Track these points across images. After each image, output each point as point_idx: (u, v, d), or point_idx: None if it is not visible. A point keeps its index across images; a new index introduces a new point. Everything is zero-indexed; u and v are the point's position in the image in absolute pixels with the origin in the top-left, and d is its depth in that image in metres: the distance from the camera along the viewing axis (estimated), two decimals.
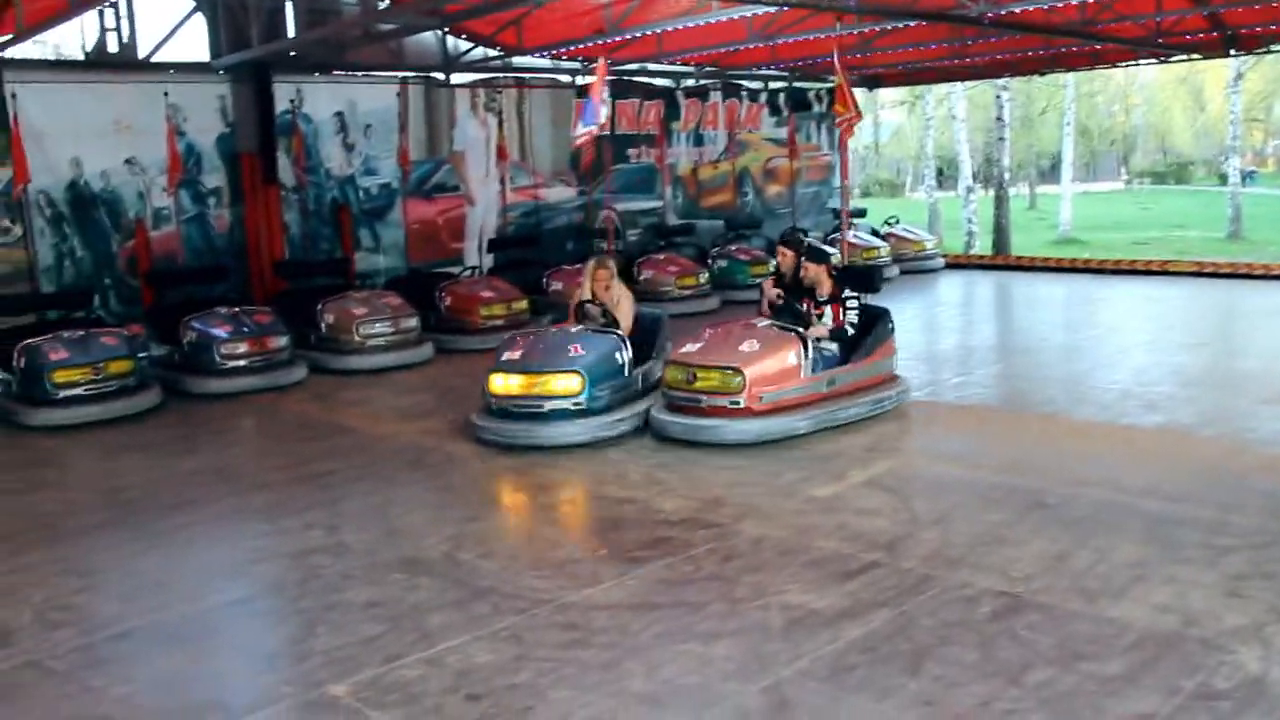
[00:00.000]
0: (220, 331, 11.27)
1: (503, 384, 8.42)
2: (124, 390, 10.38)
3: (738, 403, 8.09)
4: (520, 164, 16.59)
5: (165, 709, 4.52)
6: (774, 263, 10.96)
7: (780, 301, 9.00)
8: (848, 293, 8.97)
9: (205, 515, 7.16)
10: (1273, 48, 18.47)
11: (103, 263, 12.69)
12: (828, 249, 10.40)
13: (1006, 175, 27.13)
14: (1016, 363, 11.78)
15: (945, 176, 41.10)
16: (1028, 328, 15.01)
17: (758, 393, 8.08)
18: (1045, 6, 13.78)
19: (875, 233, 19.67)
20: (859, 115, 10.85)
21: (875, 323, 9.08)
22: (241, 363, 11.24)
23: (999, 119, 26.15)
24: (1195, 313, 14.91)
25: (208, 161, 13.43)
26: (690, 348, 8.53)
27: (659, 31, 14.43)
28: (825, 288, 9.03)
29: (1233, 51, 18.29)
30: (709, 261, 16.41)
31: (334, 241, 14.55)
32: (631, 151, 17.99)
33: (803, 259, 9.13)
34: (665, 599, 5.32)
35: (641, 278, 15.20)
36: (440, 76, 15.52)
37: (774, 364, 8.21)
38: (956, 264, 20.75)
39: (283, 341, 11.60)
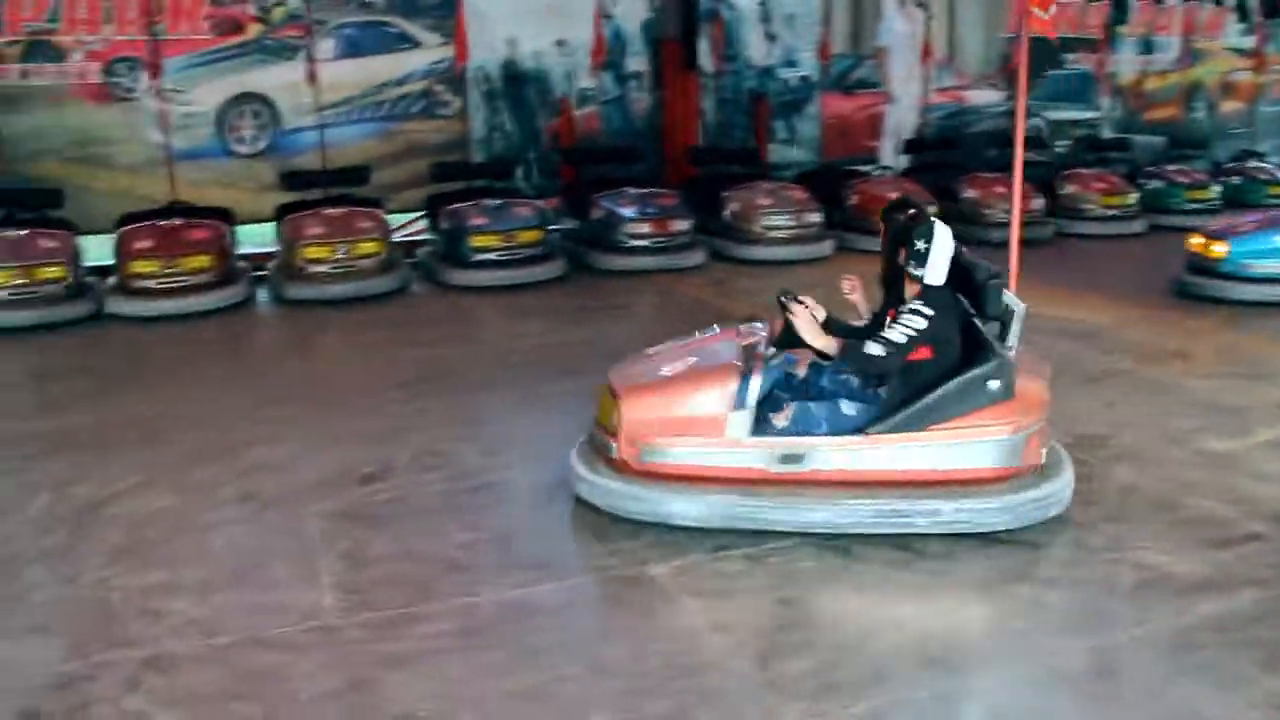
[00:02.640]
0: (626, 210, 11.65)
1: None
2: (533, 259, 11.00)
3: (610, 450, 5.23)
4: (946, 63, 15.92)
5: (500, 563, 4.80)
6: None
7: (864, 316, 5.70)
8: (916, 304, 5.00)
9: (584, 384, 7.44)
10: None
11: (529, 138, 13.41)
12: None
13: None
14: None
15: None
16: None
17: (636, 443, 5.11)
18: None
19: None
20: None
21: (965, 358, 5.05)
22: (644, 242, 11.60)
23: None
24: None
25: (631, 46, 13.80)
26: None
27: None
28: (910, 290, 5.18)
29: None
30: (1140, 182, 15.18)
31: (749, 131, 14.64)
32: (1070, 56, 16.81)
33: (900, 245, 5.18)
34: (1009, 535, 5.03)
35: (1062, 192, 14.28)
36: None
37: (676, 402, 5.09)
38: None
39: (686, 225, 11.84)
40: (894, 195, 12.88)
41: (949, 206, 13.50)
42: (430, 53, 12.86)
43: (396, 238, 11.61)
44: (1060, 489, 5.11)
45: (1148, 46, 17.63)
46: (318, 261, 10.36)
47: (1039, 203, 13.71)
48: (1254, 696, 3.81)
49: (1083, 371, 7.81)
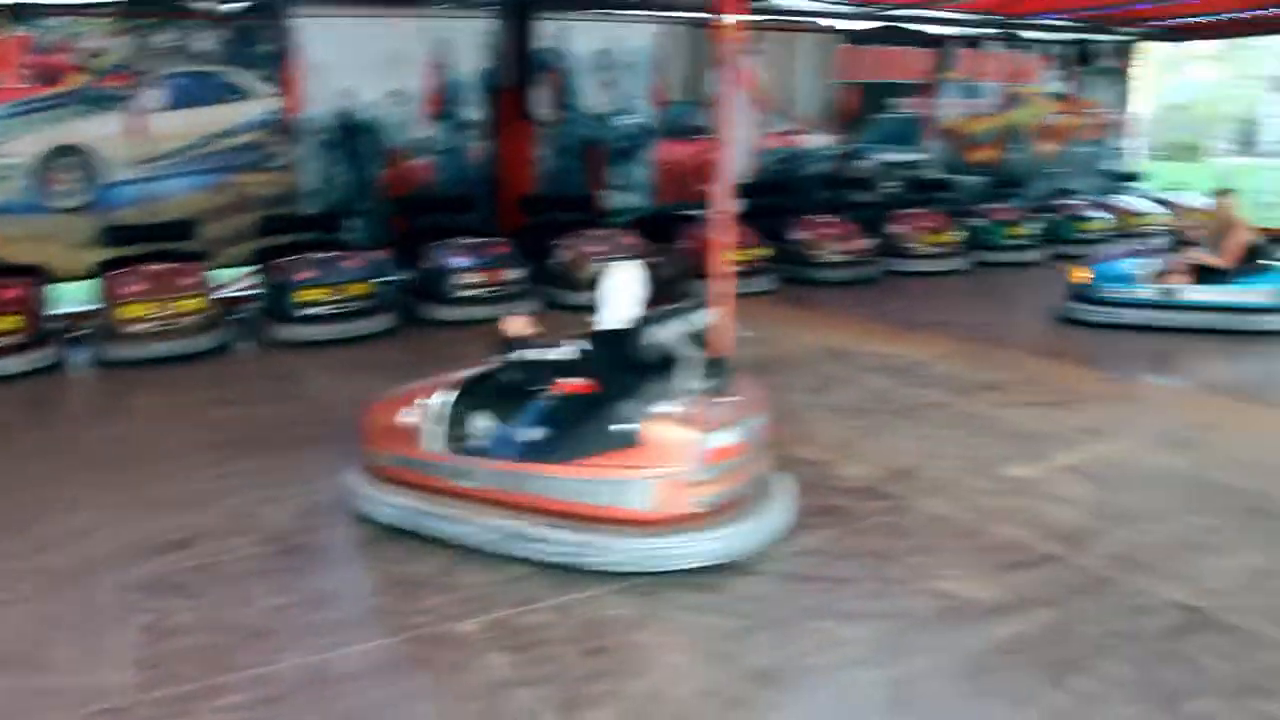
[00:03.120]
0: (456, 260, 11.60)
1: None
2: (362, 312, 10.85)
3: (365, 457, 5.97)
4: (779, 109, 16.30)
5: (309, 626, 4.69)
6: None
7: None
8: (581, 341, 5.40)
9: None
10: None
11: (362, 189, 13.26)
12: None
13: None
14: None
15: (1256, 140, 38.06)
16: None
17: (370, 449, 5.86)
18: None
19: (1155, 200, 18.43)
20: None
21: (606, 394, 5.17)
22: (475, 292, 11.54)
23: None
24: None
25: (468, 95, 13.80)
26: None
27: None
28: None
29: None
30: (963, 220, 15.71)
31: (584, 178, 14.75)
32: (896, 101, 17.39)
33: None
34: (818, 572, 5.13)
35: (888, 232, 14.71)
36: (704, 17, 15.36)
37: (393, 415, 5.69)
38: None
39: (517, 274, 11.84)
40: (728, 239, 13.19)
41: (781, 248, 13.80)
42: (261, 103, 12.65)
43: (222, 293, 11.34)
44: (702, 544, 4.94)
45: (971, 92, 18.30)
46: (138, 320, 10.03)
47: (867, 242, 14.10)
48: (1041, 712, 3.96)
49: (898, 406, 8.03)
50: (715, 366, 5.18)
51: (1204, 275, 10.81)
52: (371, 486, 5.70)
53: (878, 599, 4.86)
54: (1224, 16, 18.25)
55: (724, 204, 14.88)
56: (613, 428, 4.97)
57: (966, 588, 4.94)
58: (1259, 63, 28.25)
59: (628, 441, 4.94)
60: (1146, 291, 10.98)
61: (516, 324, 5.68)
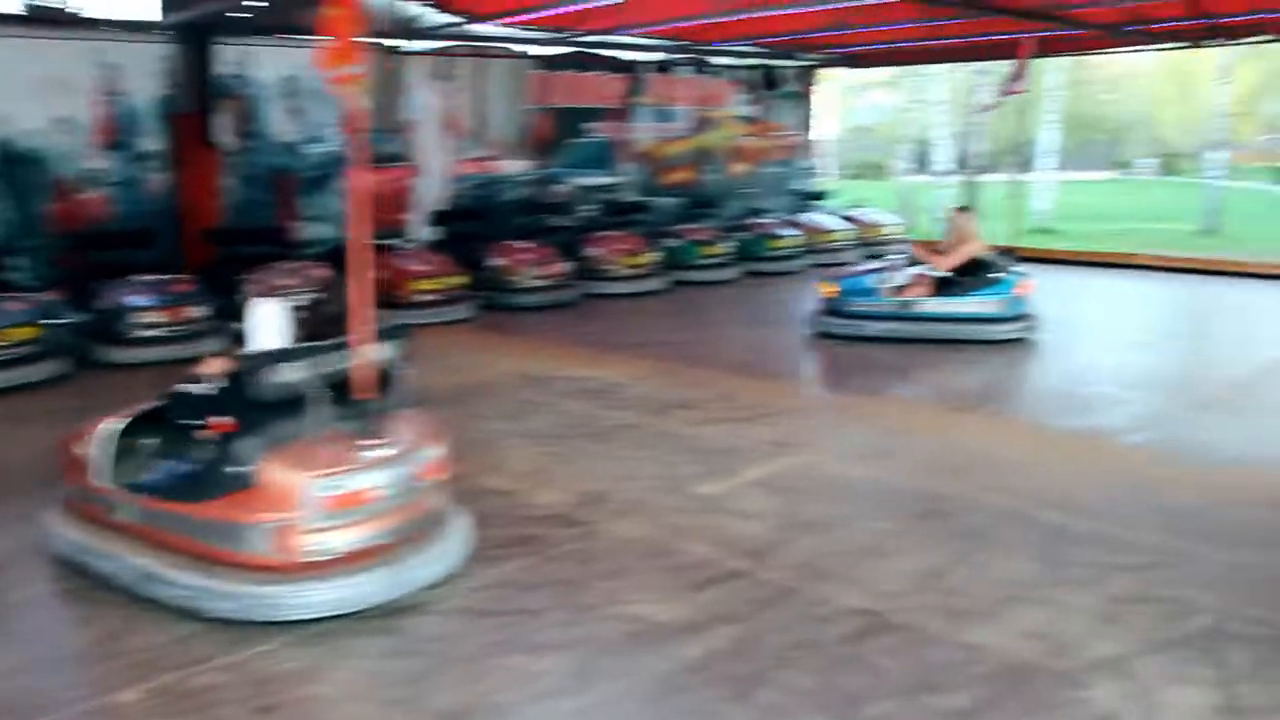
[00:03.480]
0: (135, 299, 10.91)
1: None
2: (26, 359, 10.00)
3: None
4: (475, 135, 16.20)
5: None
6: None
7: None
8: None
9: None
10: (1257, 37, 18.08)
11: (26, 224, 12.32)
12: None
13: (978, 161, 26.68)
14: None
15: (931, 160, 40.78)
16: None
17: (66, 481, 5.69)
18: None
19: (839, 216, 19.40)
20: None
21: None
22: (157, 332, 10.88)
23: (973, 104, 25.78)
24: (1153, 309, 14.63)
25: (145, 123, 13.05)
26: None
27: (613, 2, 14.02)
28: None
29: (1214, 41, 17.90)
30: (660, 242, 16.05)
31: (274, 209, 14.20)
32: (590, 126, 17.60)
33: None
34: (505, 605, 5.02)
35: (586, 256, 14.84)
36: (394, 43, 15.11)
37: (78, 447, 5.47)
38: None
39: (202, 311, 11.23)
40: (421, 268, 12.99)
41: (478, 275, 13.70)
42: None
43: None
44: (322, 593, 4.70)
45: (663, 116, 18.73)
46: None
47: (565, 266, 14.18)
48: None
49: (593, 429, 8.03)
50: (360, 406, 4.98)
51: (941, 288, 11.39)
52: (59, 522, 5.49)
53: (569, 628, 4.79)
54: (894, 45, 19.43)
55: (420, 232, 14.72)
56: (231, 469, 4.77)
57: (657, 610, 4.93)
58: (930, 88, 30.18)
59: (246, 484, 4.75)
60: (887, 304, 11.47)
61: (215, 365, 5.30)
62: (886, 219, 20.14)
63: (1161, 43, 18.19)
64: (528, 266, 13.88)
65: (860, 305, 11.62)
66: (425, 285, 12.89)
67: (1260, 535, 5.88)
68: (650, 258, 15.22)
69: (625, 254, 15.00)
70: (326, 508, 4.71)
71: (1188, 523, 6.04)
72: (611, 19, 15.63)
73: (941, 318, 11.35)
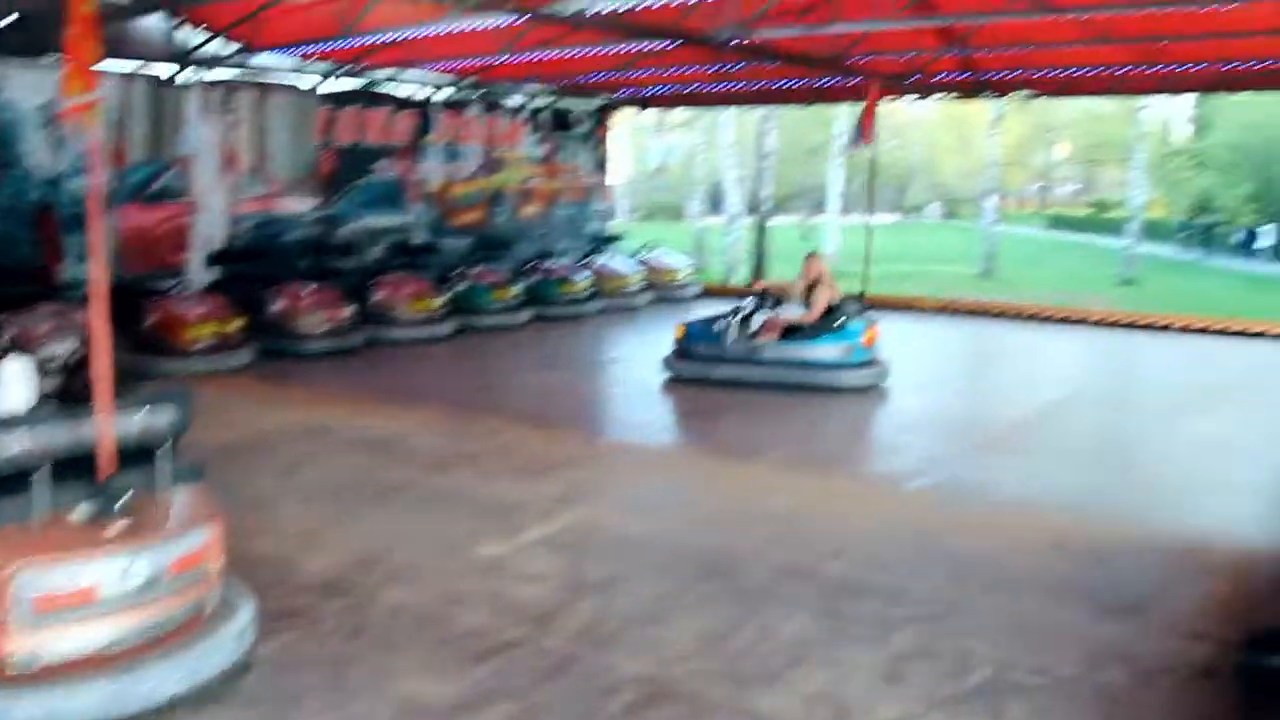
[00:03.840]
0: None
1: None
2: None
3: None
4: (256, 172, 15.58)
5: None
6: None
7: None
8: None
9: None
10: (1022, 92, 19.02)
11: None
12: None
13: (768, 205, 27.28)
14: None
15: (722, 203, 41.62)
16: None
17: None
18: (796, 35, 13.70)
19: (632, 259, 19.46)
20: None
21: None
22: None
23: (761, 148, 26.39)
24: (934, 351, 15.06)
25: None
26: None
27: (405, 38, 13.74)
28: None
29: (986, 94, 18.75)
30: (449, 285, 15.74)
31: (37, 247, 13.29)
32: (378, 165, 17.16)
33: None
34: (264, 691, 4.66)
35: (372, 300, 14.41)
36: (168, 71, 14.41)
37: None
38: (711, 293, 20.66)
39: None
40: (196, 312, 12.36)
41: (260, 320, 13.14)
42: None
43: None
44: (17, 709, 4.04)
45: (454, 154, 18.43)
46: None
47: (350, 311, 13.71)
48: None
49: (372, 485, 7.68)
50: (108, 482, 4.47)
51: (788, 332, 11.34)
52: None
53: (335, 711, 4.47)
54: (683, 89, 19.68)
55: (197, 274, 14.04)
56: None
57: (429, 687, 4.66)
58: (720, 131, 30.77)
59: None
60: (735, 348, 11.40)
61: None
62: (680, 262, 20.31)
63: (936, 94, 18.91)
64: (311, 311, 13.38)
65: (706, 349, 11.56)
66: (201, 330, 12.25)
67: (1040, 581, 5.98)
68: (439, 302, 14.89)
69: (413, 298, 14.63)
70: (38, 607, 4.09)
71: (970, 570, 6.12)
72: (400, 55, 15.33)
73: (789, 363, 11.31)
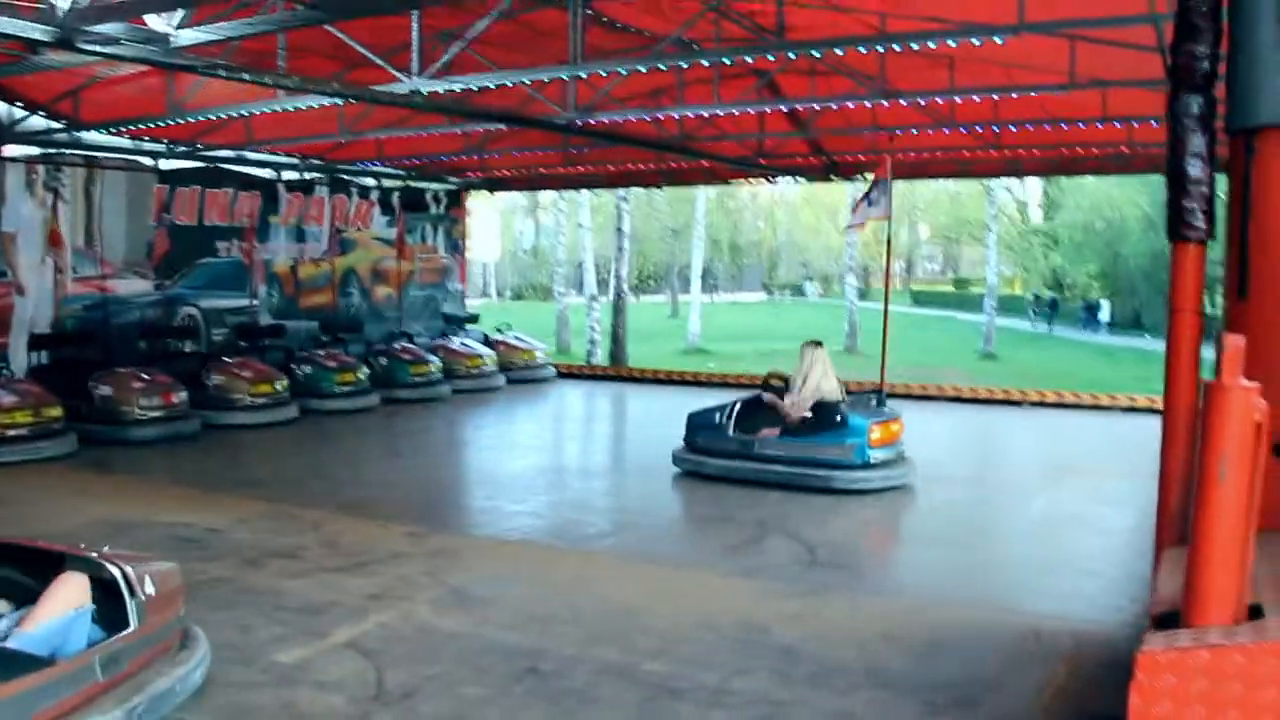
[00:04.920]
0: None
1: None
2: None
3: None
4: (86, 251, 14.89)
5: None
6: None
7: None
8: None
9: None
10: (866, 175, 19.34)
11: None
12: None
13: (625, 285, 27.23)
14: (585, 487, 11.20)
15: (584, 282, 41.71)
16: (613, 446, 14.63)
17: None
18: (646, 119, 13.66)
19: (487, 340, 19.14)
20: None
21: None
22: None
23: (618, 229, 26.41)
24: None
25: None
26: None
27: (237, 116, 13.31)
28: None
29: (833, 176, 18.99)
30: (293, 368, 15.19)
31: None
32: (222, 244, 16.57)
33: None
34: None
35: (212, 384, 13.80)
36: None
37: None
38: (569, 374, 20.41)
39: None
40: (5, 400, 11.63)
41: (85, 405, 12.48)
42: None
43: None
44: None
45: (301, 235, 17.94)
46: None
47: (183, 396, 13.10)
48: None
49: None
50: None
51: (786, 428, 10.50)
52: None
53: None
54: (535, 171, 19.59)
55: (17, 357, 13.30)
56: None
57: None
58: (581, 212, 30.82)
59: None
60: (731, 442, 10.64)
61: None
62: (535, 343, 20.02)
63: (789, 176, 19.12)
64: (139, 395, 12.73)
65: (705, 440, 10.81)
66: (14, 418, 11.52)
67: (870, 675, 5.70)
68: (281, 385, 14.34)
69: (255, 381, 14.06)
70: None
71: (797, 666, 5.83)
72: (241, 134, 14.90)
73: (786, 460, 10.39)
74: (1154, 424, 4.74)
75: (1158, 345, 31.03)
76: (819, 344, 10.84)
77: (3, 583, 4.83)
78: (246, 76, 8.56)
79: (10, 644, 4.31)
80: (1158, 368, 4.80)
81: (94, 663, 4.42)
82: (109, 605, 4.70)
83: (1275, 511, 4.18)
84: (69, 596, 4.54)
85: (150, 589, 4.92)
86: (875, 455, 10.23)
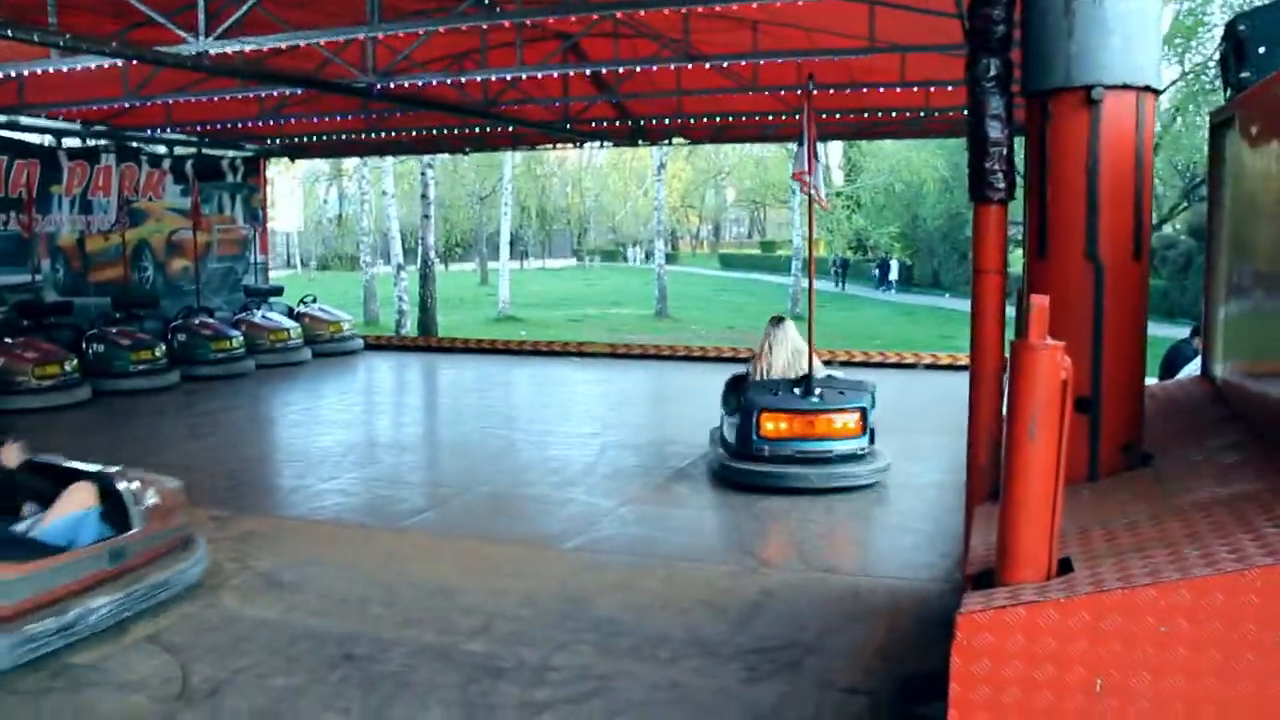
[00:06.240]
0: None
1: None
2: None
3: None
4: None
5: None
6: None
7: None
8: None
9: None
10: (675, 140, 19.41)
11: None
12: None
13: (432, 253, 26.73)
14: (397, 462, 10.87)
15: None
16: (425, 418, 14.31)
17: None
18: (448, 82, 13.32)
19: (291, 312, 18.50)
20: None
21: None
22: None
23: (424, 196, 25.91)
24: (598, 398, 14.90)
25: None
26: None
27: (8, 76, 12.44)
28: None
29: (640, 141, 18.98)
30: (84, 346, 14.36)
31: None
32: None
33: None
34: None
35: None
36: None
37: None
38: (378, 345, 19.93)
39: None
40: None
41: None
42: None
43: None
44: None
45: (87, 206, 16.95)
46: None
47: None
48: None
49: None
50: None
51: None
52: None
53: None
54: (335, 137, 18.97)
55: None
56: None
57: None
58: (385, 180, 30.12)
59: None
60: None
61: (9, 454, 6.19)
62: (341, 315, 19.46)
63: (596, 140, 19.04)
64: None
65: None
66: None
67: (694, 644, 5.66)
68: (71, 365, 13.53)
69: (40, 362, 13.21)
70: None
71: (621, 638, 5.75)
72: (13, 96, 13.93)
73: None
74: (957, 381, 4.82)
75: (957, 304, 32.33)
76: (782, 319, 10.03)
77: (31, 490, 6.18)
78: (10, 34, 7.94)
79: (33, 534, 5.82)
80: (959, 326, 4.86)
81: (103, 553, 5.83)
82: (120, 513, 6.10)
83: (1077, 465, 4.30)
84: (81, 499, 6.00)
85: (152, 500, 6.27)
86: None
